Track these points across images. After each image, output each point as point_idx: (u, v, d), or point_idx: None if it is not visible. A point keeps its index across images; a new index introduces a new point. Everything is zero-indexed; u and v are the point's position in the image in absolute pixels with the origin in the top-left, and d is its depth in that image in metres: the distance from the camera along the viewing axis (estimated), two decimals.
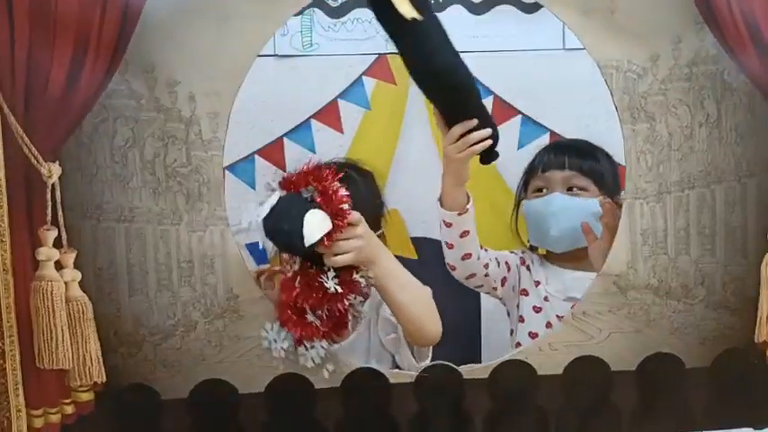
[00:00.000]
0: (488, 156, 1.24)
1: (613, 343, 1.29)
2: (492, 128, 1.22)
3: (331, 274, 1.15)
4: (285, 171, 1.41)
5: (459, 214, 1.31)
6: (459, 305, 1.51)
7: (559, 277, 1.44)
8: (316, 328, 1.18)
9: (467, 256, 1.37)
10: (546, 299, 1.43)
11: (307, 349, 1.21)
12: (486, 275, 1.41)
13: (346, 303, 1.17)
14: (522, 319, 1.44)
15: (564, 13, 1.25)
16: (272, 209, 1.11)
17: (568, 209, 1.39)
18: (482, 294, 1.57)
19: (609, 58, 1.25)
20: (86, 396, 1.27)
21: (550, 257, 1.47)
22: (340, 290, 1.15)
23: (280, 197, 1.13)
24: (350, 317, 1.20)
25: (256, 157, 1.47)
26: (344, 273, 1.16)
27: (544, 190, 1.42)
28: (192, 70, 1.23)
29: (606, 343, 1.29)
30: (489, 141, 1.21)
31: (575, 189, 1.40)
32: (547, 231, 1.41)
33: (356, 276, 1.16)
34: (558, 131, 1.56)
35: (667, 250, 1.28)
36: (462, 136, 1.21)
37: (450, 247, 1.36)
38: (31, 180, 1.21)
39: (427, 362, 1.28)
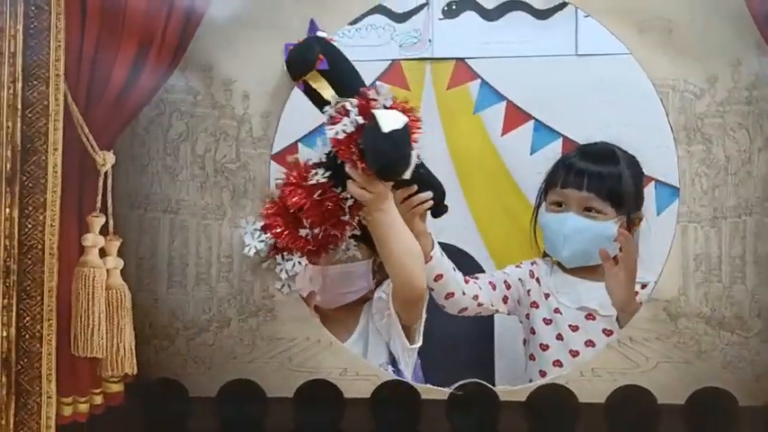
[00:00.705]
0: (436, 212, 1.36)
1: (661, 373, 1.24)
2: (434, 189, 1.33)
3: (349, 201, 1.22)
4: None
5: (426, 262, 1.34)
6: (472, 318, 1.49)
7: (573, 287, 1.42)
8: (305, 242, 1.23)
9: (449, 296, 1.39)
10: (556, 311, 1.42)
11: (283, 260, 1.26)
12: (480, 304, 1.42)
13: (347, 232, 1.25)
14: (533, 331, 1.43)
15: (620, 29, 1.26)
16: (404, 127, 1.16)
17: (582, 232, 1.38)
18: None
19: (665, 77, 1.25)
20: (116, 387, 1.28)
21: (563, 267, 1.45)
22: (349, 219, 1.24)
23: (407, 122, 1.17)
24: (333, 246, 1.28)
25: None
26: (354, 206, 1.23)
27: (562, 205, 1.41)
28: (247, 71, 1.28)
29: (653, 373, 1.24)
30: (430, 202, 1.33)
31: (592, 211, 1.38)
32: (560, 250, 1.41)
33: (360, 213, 1.25)
34: (571, 136, 1.56)
35: (721, 278, 1.25)
36: (406, 199, 1.32)
37: (431, 290, 1.38)
38: (85, 167, 1.26)
39: (418, 345, 1.33)
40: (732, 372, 1.24)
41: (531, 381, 1.36)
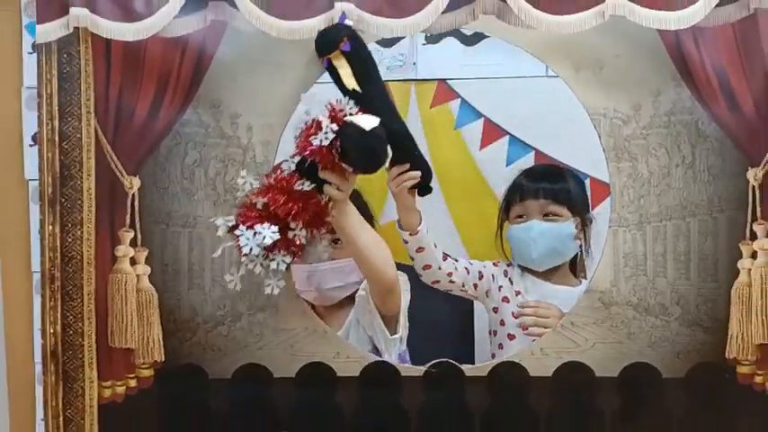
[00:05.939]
0: (422, 190, 1.47)
1: (597, 352, 1.43)
2: (423, 170, 1.45)
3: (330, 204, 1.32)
4: None
5: (411, 234, 1.49)
6: (453, 306, 1.63)
7: (539, 288, 1.58)
8: (292, 242, 1.29)
9: (426, 267, 1.51)
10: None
11: (266, 259, 1.30)
12: (452, 282, 1.54)
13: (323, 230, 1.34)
14: (502, 323, 1.57)
15: (560, 67, 1.45)
16: (380, 125, 1.28)
17: (546, 233, 1.54)
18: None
19: (597, 106, 1.43)
20: (147, 372, 1.48)
21: (531, 270, 1.60)
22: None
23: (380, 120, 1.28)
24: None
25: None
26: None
27: (524, 216, 1.56)
28: (251, 106, 1.45)
29: (591, 351, 1.43)
30: (417, 179, 1.44)
31: (550, 215, 1.55)
32: (529, 254, 1.56)
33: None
34: (542, 150, 1.68)
35: (647, 272, 1.43)
36: (398, 176, 1.44)
37: (412, 258, 1.53)
38: (115, 190, 1.45)
39: (398, 335, 1.45)
40: (656, 350, 1.42)
41: None
